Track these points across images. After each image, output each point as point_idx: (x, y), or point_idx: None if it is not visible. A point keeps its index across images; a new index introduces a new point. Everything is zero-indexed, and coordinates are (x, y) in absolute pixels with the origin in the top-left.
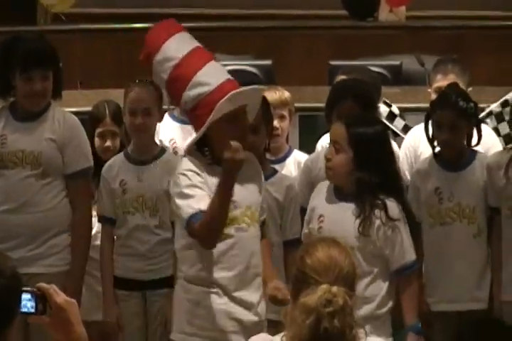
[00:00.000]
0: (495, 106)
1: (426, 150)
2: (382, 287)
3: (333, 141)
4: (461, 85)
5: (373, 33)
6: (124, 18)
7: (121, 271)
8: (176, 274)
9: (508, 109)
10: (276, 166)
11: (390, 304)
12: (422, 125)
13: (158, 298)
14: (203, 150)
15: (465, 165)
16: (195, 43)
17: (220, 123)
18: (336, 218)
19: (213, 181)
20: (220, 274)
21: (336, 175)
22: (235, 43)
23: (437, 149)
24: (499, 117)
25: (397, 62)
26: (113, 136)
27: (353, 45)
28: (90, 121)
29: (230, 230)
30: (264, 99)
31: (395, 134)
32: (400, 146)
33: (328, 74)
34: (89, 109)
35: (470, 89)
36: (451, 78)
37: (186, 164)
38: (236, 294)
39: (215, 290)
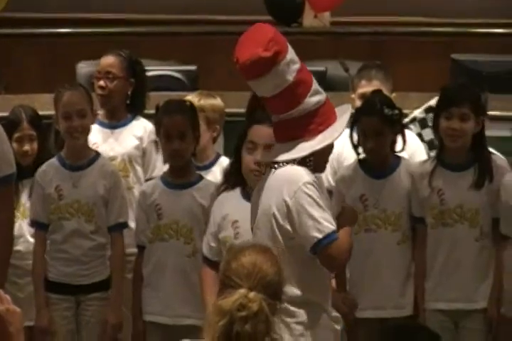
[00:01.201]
0: (418, 112)
1: (350, 156)
2: None
3: None
4: (385, 91)
5: (298, 39)
6: (49, 23)
7: (55, 275)
8: None
9: (431, 114)
10: (203, 172)
11: None
12: (347, 131)
13: (91, 302)
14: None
15: (390, 171)
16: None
17: None
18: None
19: None
20: (323, 294)
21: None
22: (159, 48)
23: (362, 155)
24: (423, 123)
25: (322, 68)
26: (31, 141)
27: None
28: (7, 126)
29: None
30: (192, 105)
31: None
32: None
33: None
34: None
35: (393, 95)
36: (375, 84)
37: (308, 174)
38: (333, 314)
39: (321, 310)
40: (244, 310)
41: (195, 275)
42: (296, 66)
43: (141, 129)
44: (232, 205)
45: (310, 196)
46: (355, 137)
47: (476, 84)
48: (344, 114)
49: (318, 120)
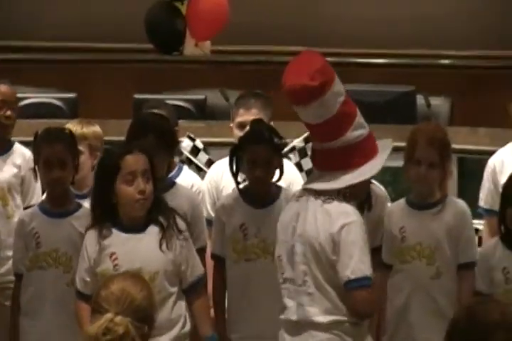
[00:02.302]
0: (298, 142)
1: (228, 185)
2: (183, 306)
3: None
4: (264, 120)
5: (178, 67)
6: None
7: None
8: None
9: (310, 144)
10: (82, 201)
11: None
12: (226, 159)
13: None
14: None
15: (271, 201)
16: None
17: None
18: (129, 250)
19: None
20: None
21: None
22: (39, 76)
23: (241, 185)
24: (302, 152)
25: (202, 97)
26: None
27: (158, 78)
28: None
29: None
30: (71, 133)
31: (199, 168)
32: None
33: (132, 108)
34: None
35: (271, 123)
36: (253, 112)
37: (356, 213)
38: None
39: None
40: (109, 334)
41: (72, 303)
42: (341, 98)
43: (20, 157)
44: (108, 238)
45: (357, 235)
46: (235, 166)
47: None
48: (386, 149)
49: (359, 153)
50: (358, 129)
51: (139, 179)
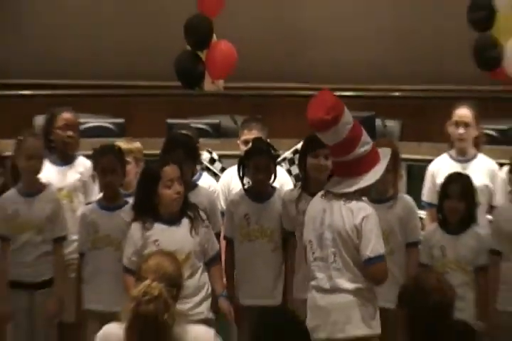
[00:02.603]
0: (288, 153)
1: (237, 186)
2: (206, 276)
3: None
4: (263, 137)
5: (199, 99)
6: (15, 87)
7: (14, 275)
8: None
9: (297, 155)
10: (128, 198)
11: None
12: (234, 167)
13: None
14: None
15: (268, 197)
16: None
17: None
18: (169, 237)
19: None
20: None
21: None
22: (96, 106)
23: (246, 185)
24: (291, 161)
25: (217, 121)
26: None
27: (185, 107)
28: None
29: None
30: (120, 148)
31: (215, 174)
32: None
33: (166, 129)
34: None
35: (268, 140)
36: (254, 132)
37: (371, 208)
38: None
39: None
40: (147, 295)
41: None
42: (349, 126)
43: (82, 166)
44: (151, 230)
45: (373, 225)
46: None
47: None
48: (385, 157)
49: (365, 163)
50: (364, 146)
51: (176, 183)
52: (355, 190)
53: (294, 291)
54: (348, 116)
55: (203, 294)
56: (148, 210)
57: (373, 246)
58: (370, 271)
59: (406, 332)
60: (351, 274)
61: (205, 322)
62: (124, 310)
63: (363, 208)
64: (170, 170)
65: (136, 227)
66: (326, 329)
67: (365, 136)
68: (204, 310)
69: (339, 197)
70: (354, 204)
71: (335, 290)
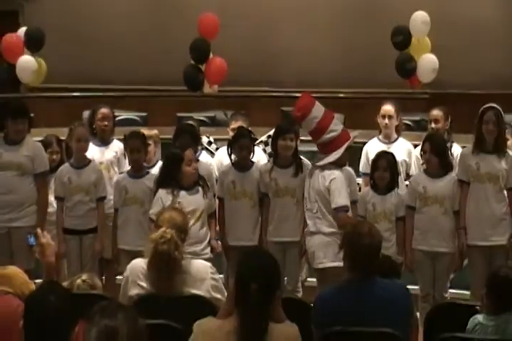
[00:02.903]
0: (263, 138)
1: (226, 161)
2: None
3: None
4: (245, 126)
5: (200, 99)
6: (65, 90)
7: (68, 225)
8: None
9: (270, 139)
10: (149, 170)
11: None
12: (225, 148)
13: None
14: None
15: (248, 168)
16: (322, 108)
17: None
18: (189, 199)
19: None
20: None
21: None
22: (127, 103)
23: (233, 160)
24: (266, 143)
25: (213, 114)
26: (56, 153)
27: (190, 105)
28: (43, 144)
29: None
30: (143, 134)
31: (211, 152)
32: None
33: (176, 121)
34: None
35: (249, 128)
36: (239, 123)
37: (337, 172)
38: None
39: None
40: (163, 238)
41: (145, 224)
42: (316, 120)
43: (116, 147)
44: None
45: (337, 185)
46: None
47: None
48: (349, 140)
49: (333, 145)
50: (330, 133)
51: (193, 162)
52: (330, 162)
53: (267, 236)
54: (316, 112)
55: (207, 239)
56: (173, 181)
57: (337, 200)
58: (335, 218)
59: (346, 264)
60: (328, 221)
61: (209, 259)
62: (146, 249)
63: (331, 174)
64: (189, 153)
65: (163, 193)
66: (313, 261)
67: (333, 125)
68: (208, 251)
69: (318, 168)
70: (326, 172)
71: (317, 232)
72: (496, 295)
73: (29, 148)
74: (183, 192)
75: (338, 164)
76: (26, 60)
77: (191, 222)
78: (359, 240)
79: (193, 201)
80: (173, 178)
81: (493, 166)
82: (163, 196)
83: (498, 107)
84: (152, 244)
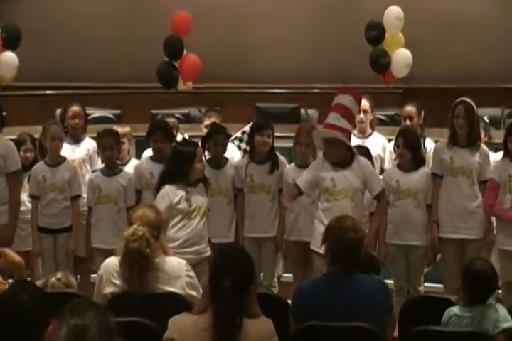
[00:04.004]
0: (238, 134)
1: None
2: None
3: None
4: (218, 122)
5: (175, 96)
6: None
7: (41, 223)
8: None
9: (244, 135)
10: (122, 167)
11: None
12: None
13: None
14: None
15: (223, 165)
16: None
17: None
18: (195, 196)
19: None
20: None
21: None
22: (100, 100)
23: (208, 157)
24: (240, 140)
25: (187, 111)
26: (30, 151)
27: (164, 102)
28: (17, 142)
29: None
30: (117, 131)
31: None
32: None
33: (150, 117)
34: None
35: (223, 124)
36: (213, 119)
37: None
38: None
39: None
40: (134, 235)
41: (119, 222)
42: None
43: (89, 144)
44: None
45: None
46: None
47: (268, 119)
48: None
49: None
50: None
51: (202, 159)
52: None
53: (243, 232)
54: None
55: (207, 237)
56: (184, 178)
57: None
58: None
59: (328, 258)
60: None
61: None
62: (118, 246)
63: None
64: (199, 150)
65: (170, 189)
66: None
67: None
68: (209, 249)
69: None
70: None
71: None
72: (471, 287)
73: (1, 147)
74: (190, 189)
75: (327, 159)
76: (8, 56)
77: (196, 219)
78: (343, 234)
79: (198, 197)
80: (184, 174)
81: (467, 160)
82: (171, 192)
83: (469, 101)
84: (124, 241)
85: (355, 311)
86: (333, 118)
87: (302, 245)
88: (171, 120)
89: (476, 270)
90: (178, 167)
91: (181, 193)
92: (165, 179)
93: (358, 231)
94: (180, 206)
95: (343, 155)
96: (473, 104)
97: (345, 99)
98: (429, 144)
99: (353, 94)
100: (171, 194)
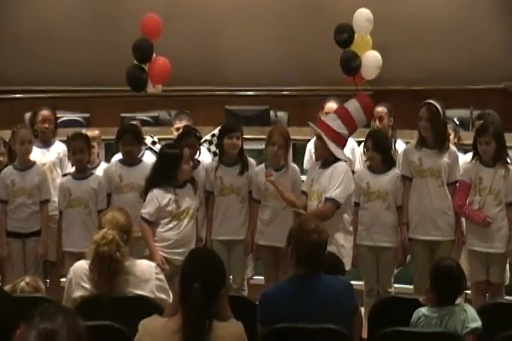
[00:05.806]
0: (208, 136)
1: None
2: None
3: None
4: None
5: (144, 99)
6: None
7: (10, 227)
8: None
9: (214, 138)
10: (93, 170)
11: None
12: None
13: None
14: None
15: (194, 168)
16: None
17: None
18: (183, 197)
19: None
20: None
21: None
22: (69, 104)
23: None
24: (210, 142)
25: (157, 114)
26: (3, 155)
27: (133, 105)
28: None
29: None
30: (87, 135)
31: (156, 152)
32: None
33: (119, 121)
34: None
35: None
36: (183, 122)
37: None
38: None
39: None
40: (104, 239)
41: (90, 225)
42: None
43: (59, 148)
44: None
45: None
46: None
47: (239, 122)
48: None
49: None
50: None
51: (189, 161)
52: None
53: (212, 234)
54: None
55: (194, 239)
56: (171, 180)
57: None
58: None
59: (293, 261)
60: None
61: None
62: (88, 250)
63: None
64: (187, 151)
65: (159, 192)
66: None
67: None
68: None
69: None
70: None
71: None
72: (439, 287)
73: None
74: (179, 191)
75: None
76: None
77: (185, 220)
78: (307, 236)
79: (187, 199)
80: (172, 177)
81: (435, 161)
82: (160, 195)
83: (433, 103)
84: (93, 245)
85: (320, 312)
86: (330, 117)
87: (273, 248)
88: (134, 123)
89: (443, 269)
90: (165, 169)
91: (169, 196)
92: (153, 182)
93: (321, 232)
94: (169, 208)
95: (323, 154)
96: (439, 106)
97: (351, 105)
98: (400, 146)
99: (365, 103)
100: (160, 196)
